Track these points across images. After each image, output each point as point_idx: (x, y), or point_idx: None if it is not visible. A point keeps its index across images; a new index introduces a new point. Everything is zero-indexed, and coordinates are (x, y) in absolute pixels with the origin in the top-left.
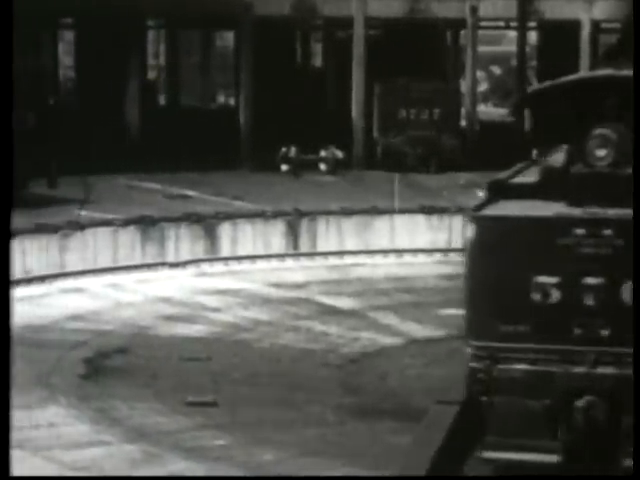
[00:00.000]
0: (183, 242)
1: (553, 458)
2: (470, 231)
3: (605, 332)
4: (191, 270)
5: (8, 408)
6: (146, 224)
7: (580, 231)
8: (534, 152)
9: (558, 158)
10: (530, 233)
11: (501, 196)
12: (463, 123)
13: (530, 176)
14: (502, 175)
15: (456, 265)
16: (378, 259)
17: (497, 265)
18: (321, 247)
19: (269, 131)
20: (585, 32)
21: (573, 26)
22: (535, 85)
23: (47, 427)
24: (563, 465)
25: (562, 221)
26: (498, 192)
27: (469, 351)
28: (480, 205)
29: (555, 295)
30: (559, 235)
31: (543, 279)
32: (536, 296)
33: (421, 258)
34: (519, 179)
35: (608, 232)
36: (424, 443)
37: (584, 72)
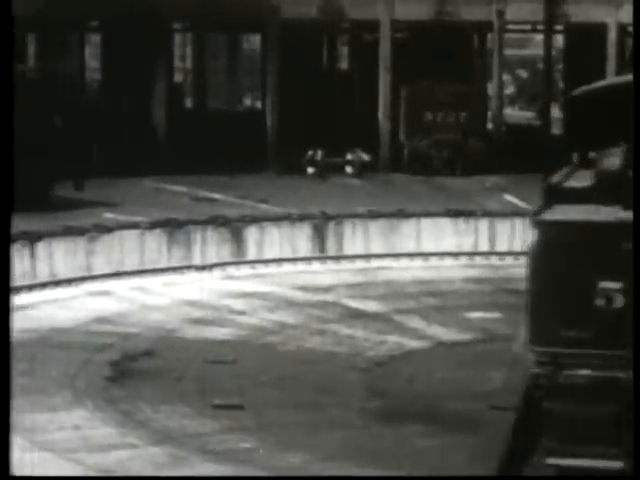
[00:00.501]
0: (209, 245)
1: (617, 464)
2: (533, 236)
3: None
4: (217, 273)
5: (8, 408)
6: (172, 227)
7: None
8: (575, 155)
9: (612, 162)
10: (594, 238)
11: (556, 200)
12: (489, 126)
13: (581, 180)
14: (554, 179)
15: (482, 268)
16: (404, 262)
17: (560, 270)
18: (347, 250)
19: (295, 134)
20: (612, 35)
21: (600, 29)
22: (584, 86)
23: (73, 429)
24: (627, 471)
25: (627, 226)
26: (553, 196)
27: (531, 357)
28: (539, 210)
29: (619, 300)
30: (623, 240)
31: (607, 284)
32: (600, 301)
33: (447, 261)
34: (572, 183)
35: None
36: (485, 450)
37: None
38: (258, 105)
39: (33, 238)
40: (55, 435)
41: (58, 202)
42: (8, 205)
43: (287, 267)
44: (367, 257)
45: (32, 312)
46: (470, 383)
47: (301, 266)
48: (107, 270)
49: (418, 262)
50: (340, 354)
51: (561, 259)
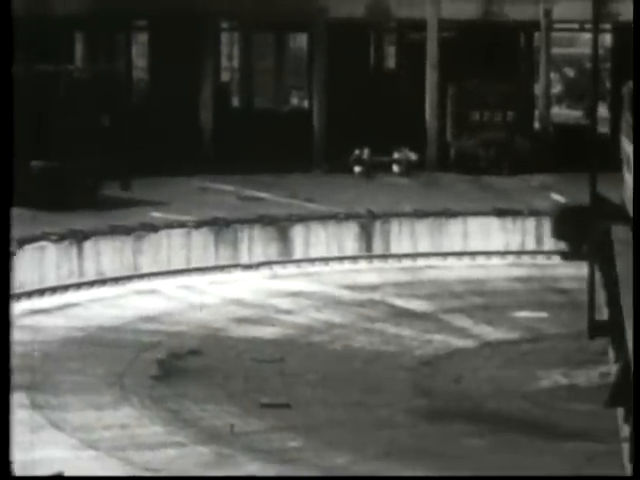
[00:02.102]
0: (256, 244)
1: None
2: None
3: None
4: (264, 272)
5: (8, 408)
6: (219, 226)
7: None
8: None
9: None
10: None
11: None
12: (536, 125)
13: None
14: None
15: (529, 267)
16: (451, 261)
17: None
18: (394, 249)
19: (342, 133)
20: None
21: None
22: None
23: (120, 428)
24: None
25: None
26: None
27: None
28: None
29: None
30: None
31: None
32: None
33: (494, 260)
34: None
35: None
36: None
37: None
38: (305, 104)
39: (81, 237)
40: (103, 433)
41: (105, 201)
42: (8, 205)
43: (334, 266)
44: (414, 256)
45: (79, 311)
46: (516, 382)
47: (347, 265)
48: (154, 269)
49: (465, 261)
50: (387, 353)
51: None
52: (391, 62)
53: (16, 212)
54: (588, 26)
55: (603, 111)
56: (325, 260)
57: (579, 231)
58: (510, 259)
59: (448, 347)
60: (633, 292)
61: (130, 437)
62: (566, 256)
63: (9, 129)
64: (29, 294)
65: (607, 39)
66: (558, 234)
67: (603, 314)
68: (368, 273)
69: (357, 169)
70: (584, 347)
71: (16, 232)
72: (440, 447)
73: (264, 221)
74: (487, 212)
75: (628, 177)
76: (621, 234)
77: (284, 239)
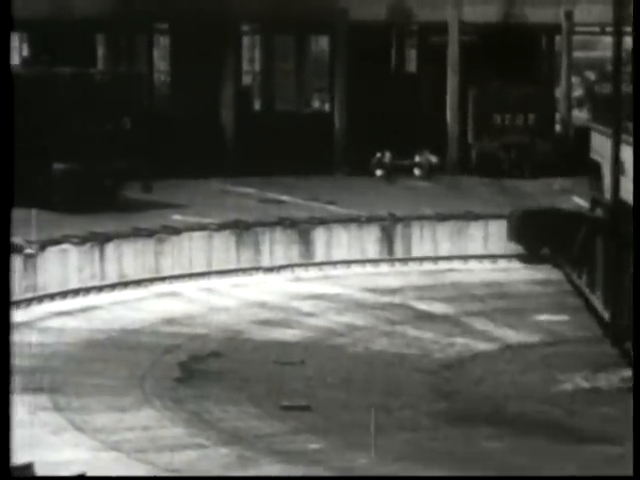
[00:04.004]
0: (277, 247)
1: None
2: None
3: None
4: (285, 275)
5: (8, 408)
6: (241, 229)
7: None
8: None
9: None
10: None
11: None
12: (557, 128)
13: None
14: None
15: (550, 271)
16: (472, 264)
17: None
18: (415, 252)
19: (363, 136)
20: None
21: None
22: None
23: (141, 429)
24: None
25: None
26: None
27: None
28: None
29: None
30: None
31: None
32: None
33: (515, 264)
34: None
35: None
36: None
37: None
38: (326, 107)
39: (102, 240)
40: (124, 435)
41: (127, 204)
42: (8, 206)
43: (355, 269)
44: (435, 259)
45: (101, 313)
46: (537, 386)
47: (369, 268)
48: (175, 272)
49: (486, 264)
50: (408, 356)
51: None
52: (412, 65)
53: (38, 215)
54: (609, 29)
55: None
56: (347, 263)
57: (538, 235)
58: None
59: (469, 350)
60: (633, 292)
61: (151, 439)
62: (525, 260)
63: (9, 130)
64: (51, 296)
65: (628, 42)
66: (516, 238)
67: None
68: (389, 276)
69: (378, 172)
70: (605, 350)
71: (38, 235)
72: (461, 449)
73: (285, 224)
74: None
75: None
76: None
77: (305, 242)
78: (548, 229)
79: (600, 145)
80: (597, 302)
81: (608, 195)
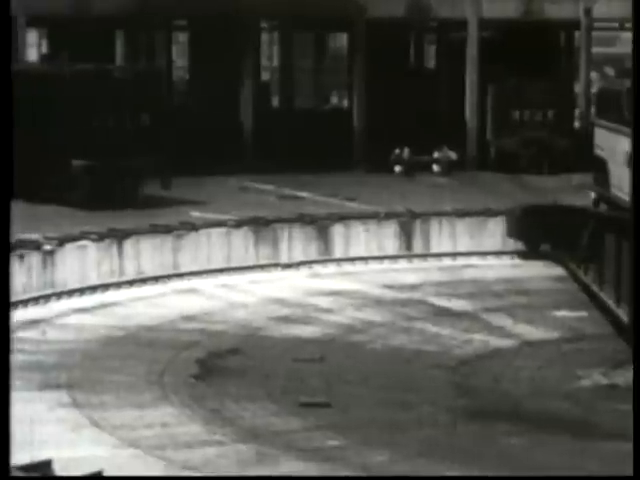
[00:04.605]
0: (296, 243)
1: None
2: None
3: None
4: (304, 271)
5: (8, 408)
6: (259, 225)
7: None
8: None
9: None
10: None
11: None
12: (577, 124)
13: None
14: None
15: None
16: (491, 260)
17: None
18: (434, 248)
19: (382, 132)
20: None
21: None
22: None
23: (160, 426)
24: None
25: None
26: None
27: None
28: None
29: None
30: None
31: None
32: None
33: (533, 260)
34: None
35: None
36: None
37: None
38: (345, 104)
39: (121, 236)
40: (143, 432)
41: (146, 200)
42: (7, 206)
43: (374, 265)
44: (453, 255)
45: (120, 310)
46: (556, 382)
47: (387, 264)
48: (194, 268)
49: (504, 260)
50: (427, 352)
51: None
52: (431, 61)
53: (57, 211)
54: (628, 25)
55: None
56: (365, 259)
57: (538, 231)
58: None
59: (488, 346)
60: (633, 292)
61: (170, 436)
62: (525, 256)
63: (8, 130)
64: (70, 293)
65: None
66: (515, 234)
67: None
68: (408, 272)
69: (397, 168)
70: (624, 347)
71: (57, 231)
72: (480, 446)
73: (304, 220)
74: None
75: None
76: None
77: (324, 238)
78: (548, 225)
79: (605, 140)
80: (608, 299)
81: (614, 191)
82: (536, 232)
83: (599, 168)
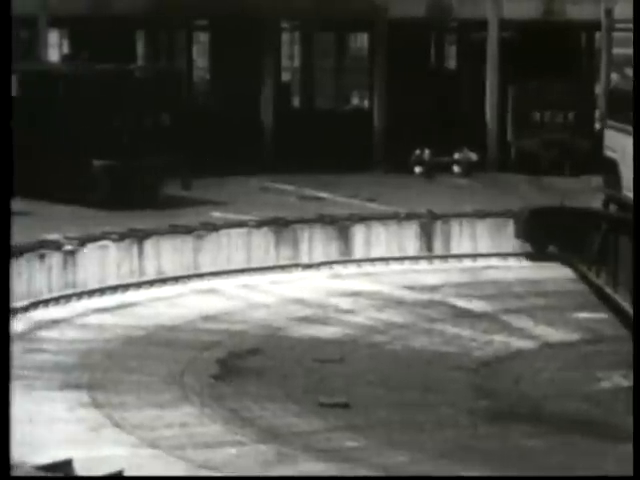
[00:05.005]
0: (316, 244)
1: None
2: None
3: None
4: (324, 272)
5: (8, 408)
6: (279, 225)
7: None
8: None
9: None
10: None
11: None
12: (597, 126)
13: None
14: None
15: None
16: (511, 262)
17: None
18: (454, 249)
19: (403, 133)
20: None
21: None
22: None
23: (180, 427)
24: None
25: None
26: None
27: None
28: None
29: None
30: None
31: None
32: None
33: (553, 261)
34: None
35: None
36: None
37: None
38: (365, 104)
39: (141, 236)
40: (163, 432)
41: (166, 201)
42: (7, 206)
43: (394, 266)
44: (474, 256)
45: (140, 310)
46: (577, 384)
47: (408, 265)
48: (214, 268)
49: (525, 261)
50: (447, 354)
51: None
52: (452, 62)
53: (77, 211)
54: None
55: None
56: (385, 260)
57: (546, 233)
58: None
59: (508, 348)
60: (633, 291)
61: (190, 436)
62: (532, 257)
63: (8, 130)
64: (90, 293)
65: None
66: (522, 235)
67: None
68: (428, 273)
69: (417, 169)
70: None
71: (78, 231)
72: (500, 448)
73: (324, 221)
74: None
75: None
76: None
77: (344, 239)
78: (556, 227)
79: (615, 141)
80: (623, 301)
81: (625, 192)
82: (543, 234)
83: (610, 169)
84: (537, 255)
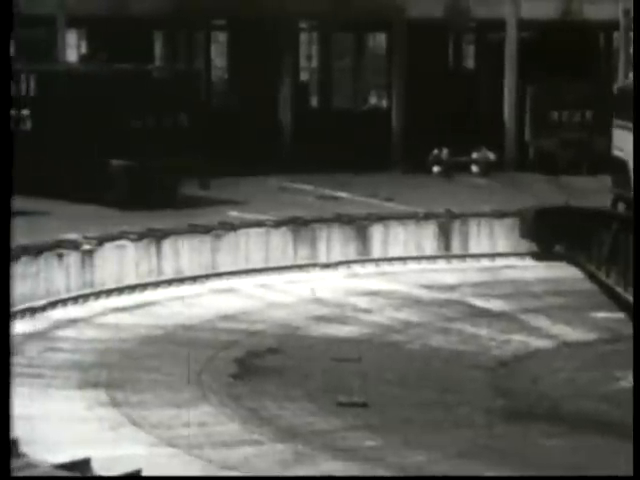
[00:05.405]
0: (334, 243)
1: None
2: None
3: None
4: (342, 271)
5: (8, 408)
6: (297, 225)
7: None
8: None
9: None
10: None
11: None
12: None
13: None
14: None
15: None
16: (529, 261)
17: None
18: (472, 249)
19: (421, 133)
20: None
21: None
22: None
23: (198, 426)
24: None
25: None
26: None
27: None
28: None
29: None
30: None
31: None
32: None
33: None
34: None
35: None
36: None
37: None
38: (383, 104)
39: (159, 236)
40: (181, 431)
41: (184, 200)
42: (8, 205)
43: (412, 265)
44: (492, 256)
45: (158, 309)
46: (595, 383)
47: (426, 264)
48: (232, 268)
49: (542, 261)
50: (465, 353)
51: None
52: (470, 62)
53: (96, 211)
54: None
55: None
56: (403, 259)
57: (552, 232)
58: None
59: (526, 347)
60: (633, 292)
61: (208, 435)
62: (538, 257)
63: (9, 130)
64: (108, 292)
65: None
66: (528, 235)
67: None
68: (446, 273)
69: (436, 169)
70: None
71: (96, 230)
72: (518, 447)
73: (342, 220)
74: None
75: None
76: None
77: (362, 238)
78: (563, 226)
79: (624, 141)
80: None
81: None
82: (549, 233)
83: (618, 169)
84: (543, 254)
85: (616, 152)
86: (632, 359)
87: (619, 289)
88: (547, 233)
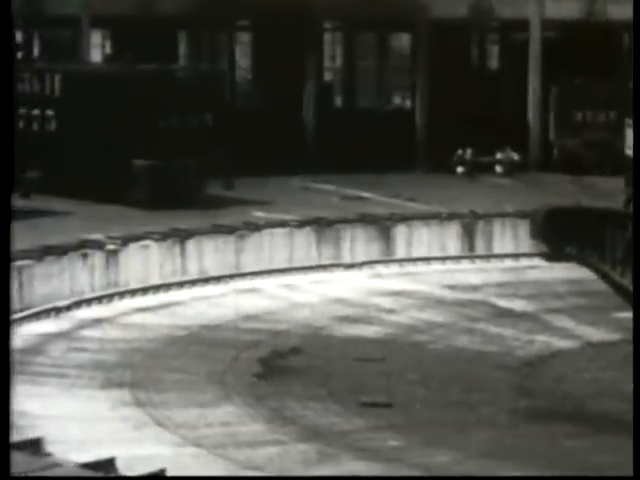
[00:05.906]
0: (358, 243)
1: None
2: None
3: None
4: (366, 271)
5: (8, 408)
6: (321, 225)
7: None
8: None
9: None
10: None
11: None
12: None
13: None
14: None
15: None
16: (553, 262)
17: None
18: (496, 249)
19: (445, 133)
20: None
21: None
22: None
23: (221, 425)
24: None
25: None
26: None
27: None
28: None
29: None
30: None
31: None
32: None
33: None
34: None
35: None
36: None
37: None
38: (407, 104)
39: (183, 236)
40: (205, 431)
41: (209, 200)
42: (8, 205)
43: (436, 266)
44: (516, 256)
45: (182, 309)
46: (619, 384)
47: (450, 265)
48: (256, 268)
49: (566, 262)
50: (489, 353)
51: None
52: (494, 62)
53: (120, 211)
54: None
55: None
56: (427, 260)
57: (563, 233)
58: None
59: (550, 348)
60: (633, 292)
61: (231, 435)
62: (549, 258)
63: (9, 130)
64: (133, 292)
65: None
66: (539, 236)
67: None
68: (470, 273)
69: (459, 169)
70: None
71: (120, 231)
72: (541, 447)
73: (366, 220)
74: None
75: None
76: None
77: (386, 238)
78: (574, 227)
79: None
80: None
81: None
82: (560, 234)
83: (631, 168)
84: (554, 255)
85: (628, 151)
86: None
87: (634, 289)
88: (558, 234)
